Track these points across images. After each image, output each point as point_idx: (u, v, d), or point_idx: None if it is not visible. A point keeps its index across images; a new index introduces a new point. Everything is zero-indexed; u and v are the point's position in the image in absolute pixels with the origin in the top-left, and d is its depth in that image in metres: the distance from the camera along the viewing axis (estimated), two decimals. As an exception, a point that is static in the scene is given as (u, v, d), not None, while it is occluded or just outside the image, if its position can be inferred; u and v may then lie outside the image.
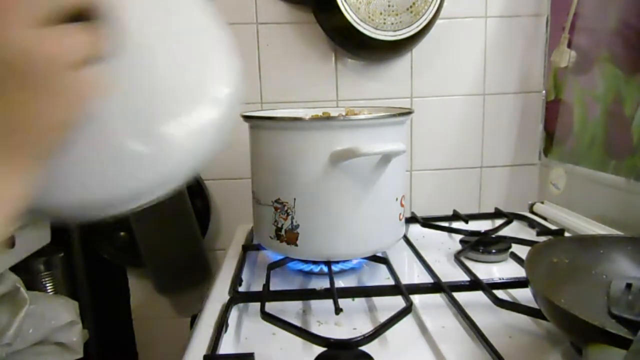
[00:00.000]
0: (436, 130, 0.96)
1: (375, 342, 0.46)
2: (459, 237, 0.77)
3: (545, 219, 0.86)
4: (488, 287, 0.54)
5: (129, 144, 0.31)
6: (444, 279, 0.58)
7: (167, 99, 0.32)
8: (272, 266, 0.63)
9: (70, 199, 0.31)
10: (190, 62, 0.33)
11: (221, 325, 0.50)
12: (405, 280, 0.58)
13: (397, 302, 0.52)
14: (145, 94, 0.31)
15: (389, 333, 0.48)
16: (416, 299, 0.56)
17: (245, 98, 0.92)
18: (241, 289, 0.60)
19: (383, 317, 0.49)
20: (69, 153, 0.29)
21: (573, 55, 0.82)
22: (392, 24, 0.83)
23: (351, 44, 0.89)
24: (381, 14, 0.83)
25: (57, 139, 0.27)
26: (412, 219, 0.84)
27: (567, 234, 0.74)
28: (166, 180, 0.33)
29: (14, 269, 0.78)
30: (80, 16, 0.26)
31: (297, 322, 0.51)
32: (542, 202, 0.92)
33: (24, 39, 0.23)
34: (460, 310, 0.51)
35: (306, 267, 0.65)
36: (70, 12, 0.25)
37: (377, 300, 0.57)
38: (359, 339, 0.44)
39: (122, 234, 0.96)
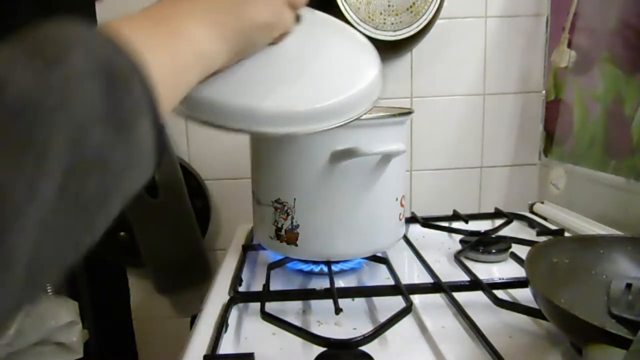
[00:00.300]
0: (436, 130, 0.96)
1: (375, 342, 0.46)
2: (459, 237, 0.77)
3: (545, 219, 0.86)
4: (488, 287, 0.54)
5: (313, 72, 0.41)
6: (444, 279, 0.58)
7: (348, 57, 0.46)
8: (272, 266, 0.63)
9: (250, 103, 0.38)
10: (360, 41, 0.49)
11: (221, 325, 0.50)
12: (405, 280, 0.58)
13: (397, 302, 0.52)
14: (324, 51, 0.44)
15: (389, 333, 0.48)
16: (416, 299, 0.56)
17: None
18: (241, 289, 0.60)
19: (383, 317, 0.49)
20: (258, 67, 0.38)
21: (573, 55, 0.82)
22: (392, 24, 0.83)
23: (351, 44, 0.89)
24: (381, 14, 0.83)
25: (255, 40, 0.37)
26: (412, 219, 0.84)
27: (567, 234, 0.74)
28: (352, 105, 0.43)
29: (14, 269, 0.78)
30: None
31: (297, 322, 0.51)
32: (542, 202, 0.92)
33: None
34: (460, 310, 0.51)
35: (306, 267, 0.65)
36: None
37: (377, 300, 0.57)
38: (359, 339, 0.44)
39: (122, 234, 0.96)
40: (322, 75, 0.42)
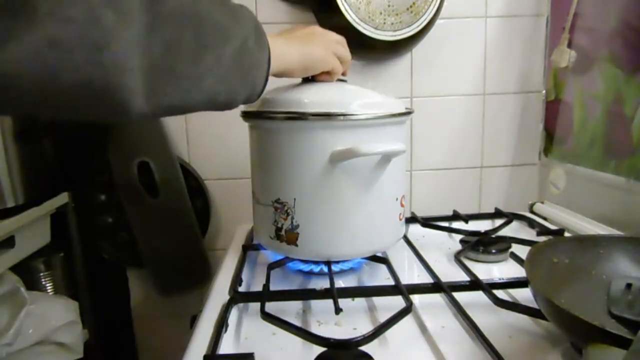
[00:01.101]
0: (436, 130, 0.96)
1: (375, 342, 0.46)
2: (459, 237, 0.77)
3: (545, 219, 0.86)
4: (488, 287, 0.54)
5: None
6: (444, 279, 0.58)
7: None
8: (272, 266, 0.63)
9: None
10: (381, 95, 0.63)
11: (221, 325, 0.50)
12: (405, 280, 0.58)
13: (397, 302, 0.52)
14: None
15: (389, 333, 0.48)
16: (416, 299, 0.56)
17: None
18: (241, 289, 0.60)
19: (383, 317, 0.49)
20: (319, 88, 0.61)
21: (573, 55, 0.82)
22: (392, 24, 0.83)
23: (351, 44, 0.89)
24: (381, 14, 0.83)
25: (313, 64, 0.57)
26: (412, 219, 0.84)
27: (567, 234, 0.74)
28: (383, 105, 0.62)
29: (14, 269, 0.78)
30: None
31: (297, 322, 0.51)
32: (542, 202, 0.92)
33: (333, 37, 0.61)
34: (460, 310, 0.51)
35: (306, 267, 0.65)
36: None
37: (377, 300, 0.57)
38: (359, 339, 0.44)
39: (122, 234, 0.96)
40: (362, 91, 0.62)
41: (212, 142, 0.94)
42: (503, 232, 0.77)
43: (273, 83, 0.57)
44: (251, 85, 0.46)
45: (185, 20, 0.36)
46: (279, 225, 0.61)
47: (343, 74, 0.63)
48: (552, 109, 0.91)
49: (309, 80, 0.62)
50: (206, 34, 0.38)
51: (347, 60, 0.62)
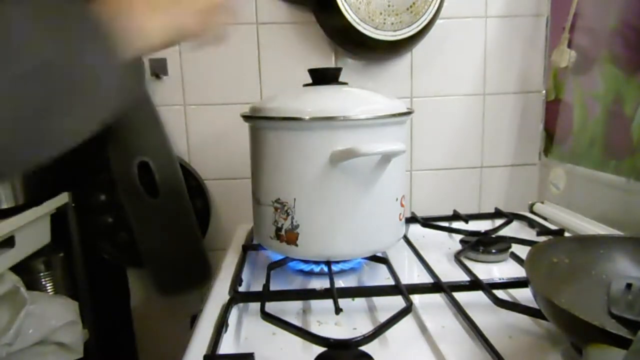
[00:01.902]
0: (436, 130, 0.96)
1: (375, 342, 0.46)
2: (459, 237, 0.77)
3: (545, 219, 0.86)
4: (488, 287, 0.54)
5: None
6: (444, 279, 0.58)
7: None
8: (272, 266, 0.63)
9: None
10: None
11: (221, 325, 0.50)
12: (405, 280, 0.58)
13: (397, 302, 0.52)
14: None
15: (389, 333, 0.48)
16: (416, 299, 0.56)
17: (245, 98, 0.92)
18: (241, 289, 0.60)
19: (383, 317, 0.49)
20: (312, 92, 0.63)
21: (573, 55, 0.82)
22: (392, 24, 0.83)
23: (351, 44, 0.89)
24: (381, 14, 0.83)
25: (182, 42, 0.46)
26: (412, 219, 0.84)
27: (567, 234, 0.74)
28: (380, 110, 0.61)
29: (14, 269, 0.78)
30: None
31: (297, 322, 0.51)
32: (542, 202, 0.92)
33: None
34: (460, 310, 0.51)
35: (306, 267, 0.65)
36: None
37: (377, 300, 0.57)
38: (359, 339, 0.44)
39: (122, 234, 0.96)
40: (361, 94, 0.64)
41: (212, 142, 0.94)
42: (503, 232, 0.77)
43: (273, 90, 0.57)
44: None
45: None
46: (279, 225, 0.61)
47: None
48: (552, 109, 0.91)
49: (309, 86, 0.63)
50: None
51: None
